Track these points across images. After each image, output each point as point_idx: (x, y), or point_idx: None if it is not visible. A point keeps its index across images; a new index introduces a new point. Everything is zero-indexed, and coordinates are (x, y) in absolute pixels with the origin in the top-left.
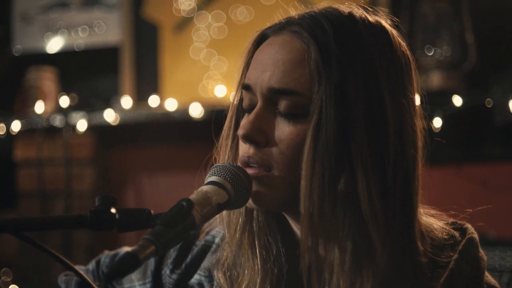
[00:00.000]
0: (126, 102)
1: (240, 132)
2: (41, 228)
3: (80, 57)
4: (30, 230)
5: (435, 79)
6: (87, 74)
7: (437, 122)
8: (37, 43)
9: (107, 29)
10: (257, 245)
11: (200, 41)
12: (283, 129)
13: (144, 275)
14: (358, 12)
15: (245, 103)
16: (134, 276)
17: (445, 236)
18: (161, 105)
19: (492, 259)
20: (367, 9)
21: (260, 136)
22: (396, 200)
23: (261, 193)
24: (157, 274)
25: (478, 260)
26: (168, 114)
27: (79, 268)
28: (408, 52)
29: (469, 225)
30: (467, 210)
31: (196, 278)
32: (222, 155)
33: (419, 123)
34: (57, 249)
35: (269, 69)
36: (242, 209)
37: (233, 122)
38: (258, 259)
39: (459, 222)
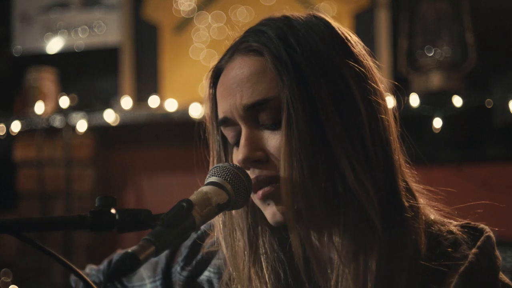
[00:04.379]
0: (126, 102)
1: (239, 157)
2: (41, 229)
3: (80, 57)
4: (30, 231)
5: (435, 80)
6: (87, 74)
7: (437, 123)
8: (37, 44)
9: (107, 30)
10: (265, 273)
11: (200, 42)
12: (274, 139)
13: (154, 273)
14: (289, 13)
15: (230, 138)
16: (145, 274)
17: (461, 234)
18: (161, 106)
19: None
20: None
21: (259, 153)
22: (379, 166)
23: (281, 206)
24: (167, 271)
25: (495, 258)
26: (168, 114)
27: (91, 268)
28: (347, 30)
29: (484, 225)
30: (467, 208)
31: (205, 274)
32: None
33: (379, 85)
34: (57, 249)
35: (237, 91)
36: (246, 241)
37: (215, 159)
38: (268, 285)
39: (473, 223)
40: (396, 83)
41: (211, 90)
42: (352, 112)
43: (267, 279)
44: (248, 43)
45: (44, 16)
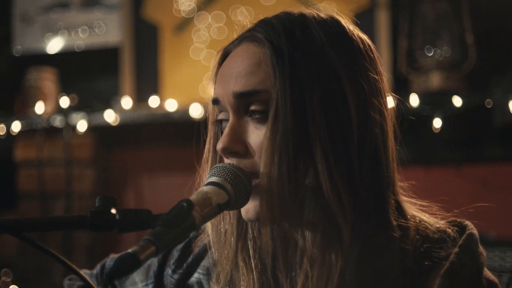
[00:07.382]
0: (126, 102)
1: (219, 146)
2: (42, 229)
3: (80, 57)
4: (30, 231)
5: (435, 80)
6: (87, 74)
7: (437, 123)
8: (37, 44)
9: (107, 30)
10: (252, 261)
11: (200, 42)
12: (259, 133)
13: (146, 276)
14: (309, 11)
15: (219, 119)
16: (138, 277)
17: (444, 232)
18: (161, 106)
19: (492, 259)
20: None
21: (238, 146)
22: (364, 179)
23: (255, 203)
24: (159, 275)
25: (478, 255)
26: (168, 114)
27: (84, 272)
28: (367, 39)
29: (468, 222)
30: (468, 209)
31: (195, 276)
32: (205, 178)
33: (385, 102)
34: (57, 249)
35: (232, 78)
36: (234, 229)
37: (211, 145)
38: (254, 273)
39: (458, 219)
40: (395, 95)
41: (216, 69)
42: (342, 120)
43: (253, 267)
44: (255, 32)
45: (44, 16)
